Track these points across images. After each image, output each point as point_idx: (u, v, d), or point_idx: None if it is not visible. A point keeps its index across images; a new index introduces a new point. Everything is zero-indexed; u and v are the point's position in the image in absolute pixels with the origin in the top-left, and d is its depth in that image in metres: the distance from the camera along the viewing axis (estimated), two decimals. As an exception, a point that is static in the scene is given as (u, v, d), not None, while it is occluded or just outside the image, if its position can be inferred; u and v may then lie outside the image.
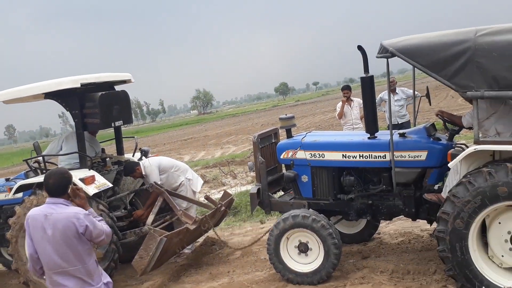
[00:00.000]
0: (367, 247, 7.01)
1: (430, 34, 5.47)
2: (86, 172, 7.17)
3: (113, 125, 7.67)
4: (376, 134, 6.09)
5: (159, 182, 7.67)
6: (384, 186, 6.12)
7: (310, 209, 6.28)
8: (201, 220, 7.32)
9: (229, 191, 9.98)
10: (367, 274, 6.06)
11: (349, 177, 6.32)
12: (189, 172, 8.17)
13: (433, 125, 6.23)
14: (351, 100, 11.14)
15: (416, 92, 7.00)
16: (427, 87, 6.56)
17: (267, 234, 6.31)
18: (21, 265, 7.19)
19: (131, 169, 7.79)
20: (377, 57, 5.49)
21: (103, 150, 8.39)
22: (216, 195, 11.52)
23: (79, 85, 7.06)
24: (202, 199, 8.76)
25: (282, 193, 7.30)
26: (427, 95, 6.49)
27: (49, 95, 7.46)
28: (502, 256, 5.10)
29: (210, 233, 8.15)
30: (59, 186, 3.92)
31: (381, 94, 10.98)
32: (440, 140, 5.94)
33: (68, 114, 7.71)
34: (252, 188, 6.96)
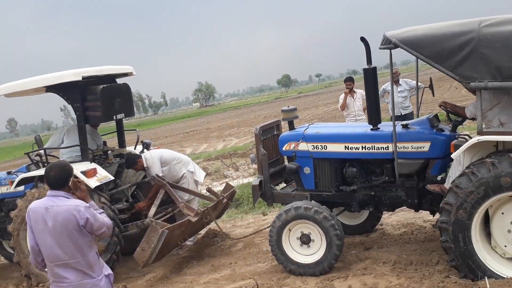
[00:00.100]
0: (370, 238, 7.00)
1: (433, 25, 5.43)
2: (87, 165, 7.17)
3: (114, 118, 7.67)
4: (379, 126, 6.07)
5: (160, 175, 7.66)
6: (386, 178, 6.10)
7: (312, 201, 6.26)
8: (203, 212, 7.32)
9: (231, 183, 9.99)
10: (369, 265, 6.05)
11: (352, 169, 6.30)
12: (191, 164, 8.16)
13: (436, 116, 6.20)
14: (354, 91, 11.10)
15: (419, 83, 6.97)
16: (430, 78, 6.53)
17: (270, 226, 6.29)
18: (23, 258, 7.20)
19: (133, 161, 7.78)
20: (380, 48, 5.46)
21: (104, 143, 8.38)
22: (218, 187, 11.51)
23: (80, 78, 7.05)
24: (204, 192, 8.77)
25: (284, 185, 7.28)
26: (430, 86, 6.46)
27: (50, 89, 7.45)
28: (505, 246, 5.09)
29: (212, 225, 8.16)
30: (59, 179, 3.91)
31: (384, 85, 10.94)
32: (443, 131, 5.91)
33: (69, 107, 7.71)
34: (254, 180, 6.95)
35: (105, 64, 7.80)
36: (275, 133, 7.10)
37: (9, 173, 8.43)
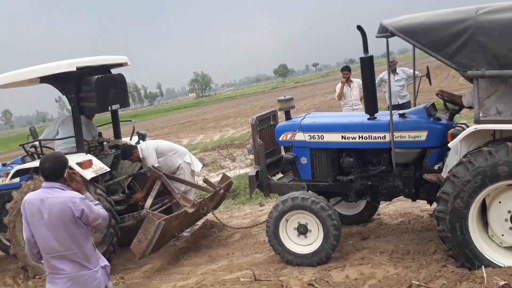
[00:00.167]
0: (367, 228, 7.00)
1: (430, 13, 5.39)
2: (83, 156, 7.14)
3: (109, 108, 7.64)
4: (375, 115, 6.04)
5: (157, 166, 7.63)
6: (383, 167, 6.09)
7: (309, 191, 6.25)
8: (200, 203, 7.30)
9: (228, 174, 9.96)
10: (366, 254, 6.05)
11: (349, 159, 6.28)
12: (187, 155, 8.14)
13: (433, 105, 6.17)
14: (351, 81, 11.05)
15: (416, 72, 6.93)
16: (427, 66, 6.49)
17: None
18: (19, 250, 7.19)
19: (129, 152, 7.75)
20: (376, 36, 5.42)
21: (100, 134, 8.34)
22: (215, 178, 11.49)
23: (75, 69, 7.01)
24: (200, 183, 8.75)
25: (281, 175, 7.26)
26: (428, 75, 6.43)
27: (45, 79, 7.40)
28: (502, 235, 5.09)
29: (209, 216, 8.15)
30: (54, 170, 3.89)
31: (381, 74, 10.90)
32: (440, 120, 5.89)
33: (65, 98, 7.67)
34: (251, 170, 6.93)
35: (100, 55, 7.73)
36: (272, 123, 7.06)
37: (4, 165, 8.39)
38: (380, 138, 5.99)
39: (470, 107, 5.68)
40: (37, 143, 7.58)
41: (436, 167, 5.92)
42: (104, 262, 4.11)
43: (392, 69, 10.61)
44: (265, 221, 6.40)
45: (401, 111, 6.11)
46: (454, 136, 5.26)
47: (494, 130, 5.19)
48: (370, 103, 5.87)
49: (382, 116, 6.09)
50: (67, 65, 7.01)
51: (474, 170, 4.95)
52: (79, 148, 7.41)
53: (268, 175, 6.75)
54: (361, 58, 5.76)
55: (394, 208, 7.71)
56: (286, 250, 6.12)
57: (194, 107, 62.81)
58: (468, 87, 5.23)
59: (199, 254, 7.24)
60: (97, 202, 4.06)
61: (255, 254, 6.80)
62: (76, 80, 7.28)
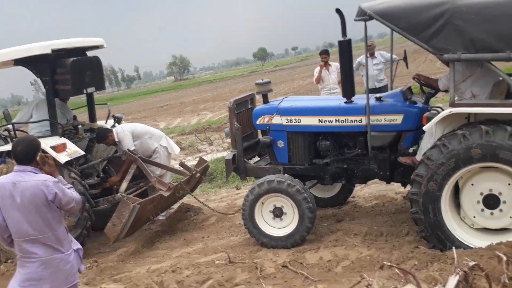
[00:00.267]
0: (342, 210, 7.06)
1: (409, -4, 5.38)
2: (57, 140, 7.05)
3: (85, 91, 7.58)
4: (352, 99, 6.05)
5: (132, 149, 7.56)
6: (359, 150, 6.12)
7: (286, 174, 6.26)
8: (176, 187, 7.26)
9: (205, 157, 9.93)
10: (340, 236, 6.10)
11: (325, 142, 6.30)
12: (164, 138, 8.07)
13: (409, 88, 6.21)
14: (329, 64, 11.05)
15: (394, 56, 6.95)
16: (405, 50, 6.52)
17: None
18: (-9, 234, 7.06)
19: (104, 135, 7.66)
20: (355, 20, 5.41)
21: (74, 117, 8.26)
22: (192, 162, 11.45)
23: (50, 51, 6.92)
24: (177, 166, 8.70)
25: (258, 158, 7.25)
26: (405, 59, 6.46)
27: (19, 62, 7.27)
28: (474, 217, 5.18)
29: (185, 199, 8.12)
30: (27, 154, 3.82)
31: (359, 58, 10.91)
32: (416, 103, 5.93)
33: (40, 81, 7.56)
34: (227, 154, 6.91)
35: (75, 37, 7.62)
36: (249, 106, 7.03)
37: (-24, 148, 8.20)
38: (357, 122, 6.01)
39: (446, 91, 5.72)
40: (10, 126, 7.43)
41: (411, 150, 5.97)
42: (76, 245, 4.07)
43: (370, 52, 10.64)
44: (239, 210, 6.41)
45: (377, 95, 6.13)
46: (429, 119, 5.31)
47: (469, 114, 5.25)
48: (347, 86, 5.87)
49: (359, 99, 6.10)
50: (42, 47, 6.92)
51: (448, 153, 5.00)
52: (53, 132, 7.31)
53: (245, 159, 6.73)
54: (340, 42, 5.75)
55: (369, 191, 7.78)
56: (261, 233, 6.14)
57: (172, 91, 62.28)
58: (444, 71, 5.28)
59: (174, 238, 7.22)
60: (70, 185, 4.01)
61: (230, 237, 6.81)
62: (51, 62, 7.18)
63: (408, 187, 5.61)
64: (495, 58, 5.01)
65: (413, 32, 5.15)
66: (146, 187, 7.76)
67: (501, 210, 5.05)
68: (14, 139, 7.22)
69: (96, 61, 7.71)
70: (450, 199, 5.20)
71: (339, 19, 5.68)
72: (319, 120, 6.23)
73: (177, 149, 8.32)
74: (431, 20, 5.01)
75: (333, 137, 6.30)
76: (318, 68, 11.17)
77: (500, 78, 5.33)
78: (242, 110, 6.86)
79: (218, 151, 12.94)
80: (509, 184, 4.99)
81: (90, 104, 8.29)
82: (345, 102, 6.10)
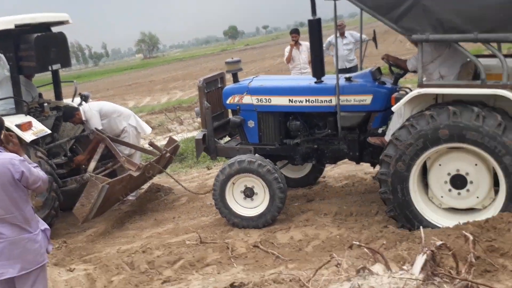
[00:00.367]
0: (312, 190, 7.11)
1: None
2: (22, 118, 6.89)
3: (50, 68, 7.43)
4: (322, 79, 6.05)
5: (100, 128, 7.43)
6: (329, 131, 6.15)
7: (256, 154, 6.25)
8: (145, 167, 7.18)
9: (175, 137, 9.83)
10: (311, 216, 6.16)
11: (295, 122, 6.30)
12: (132, 117, 7.95)
13: (379, 69, 6.24)
14: (300, 44, 10.99)
15: (363, 36, 6.96)
16: (374, 30, 6.52)
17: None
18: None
19: (70, 114, 7.51)
20: (324, -1, 5.37)
21: (40, 95, 8.07)
22: (162, 141, 11.33)
23: (13, 27, 6.76)
24: (146, 146, 8.60)
25: (228, 138, 7.22)
26: (374, 39, 6.47)
27: (-19, 37, 7.01)
28: (442, 197, 5.27)
29: (155, 179, 8.05)
30: (-10, 132, 3.70)
31: (330, 38, 10.88)
32: (385, 84, 5.96)
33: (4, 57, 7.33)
34: (197, 134, 6.85)
35: (40, 12, 7.42)
36: (219, 85, 6.96)
37: None
38: (326, 102, 6.02)
39: (415, 71, 5.76)
40: (-28, 104, 7.21)
41: (380, 130, 6.02)
42: (43, 225, 4.00)
43: (340, 32, 10.62)
44: (209, 191, 6.38)
45: (347, 75, 6.15)
46: (397, 100, 5.35)
47: (437, 94, 5.31)
48: (317, 66, 5.86)
49: (329, 80, 6.10)
50: (5, 22, 6.74)
51: (416, 134, 5.06)
52: (18, 110, 7.13)
53: (215, 139, 6.69)
54: (309, 21, 5.71)
55: (339, 171, 7.84)
56: (232, 213, 6.14)
57: (141, 69, 61.33)
58: (414, 52, 5.31)
59: (144, 218, 7.17)
60: (36, 164, 3.91)
61: (201, 217, 6.80)
62: (14, 38, 7.01)
63: (377, 167, 5.68)
64: (462, 39, 5.06)
65: (382, 12, 5.15)
66: (115, 167, 7.65)
67: (468, 190, 5.16)
68: (-23, 117, 7.02)
69: (61, 37, 7.56)
70: (418, 179, 5.28)
71: None
72: (289, 100, 6.22)
73: (148, 129, 8.23)
74: (400, 0, 5.02)
75: (304, 117, 6.30)
76: (288, 48, 11.11)
77: (468, 59, 5.40)
78: (212, 89, 6.79)
79: (189, 131, 12.83)
80: (476, 165, 5.09)
81: (56, 82, 8.12)
82: (315, 82, 6.10)
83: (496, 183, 5.09)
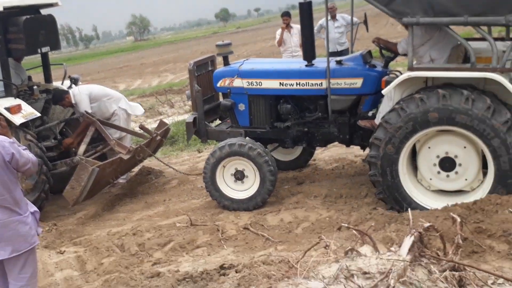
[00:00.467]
0: (302, 173, 7.13)
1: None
2: (11, 101, 6.84)
3: (39, 51, 7.40)
4: (313, 62, 6.04)
5: (90, 111, 7.39)
6: (320, 114, 6.15)
7: (247, 138, 6.25)
8: (136, 150, 7.16)
9: (166, 120, 9.81)
10: (301, 199, 6.19)
11: (286, 105, 6.30)
12: (123, 100, 7.91)
13: (369, 52, 6.23)
14: (291, 27, 10.93)
15: (354, 19, 6.93)
16: (365, 13, 6.50)
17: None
18: None
19: (60, 97, 7.47)
20: (315, -19, 5.33)
21: (29, 78, 8.02)
22: (153, 124, 11.28)
23: (1, 9, 6.69)
24: (136, 129, 8.58)
25: (219, 122, 7.21)
26: (365, 22, 6.45)
27: (-31, 19, 6.94)
28: (430, 179, 5.32)
29: (146, 162, 8.04)
30: (-22, 115, 3.69)
31: (321, 21, 10.82)
32: (376, 67, 5.96)
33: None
34: (188, 117, 6.84)
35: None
36: (210, 69, 6.94)
37: None
38: (317, 85, 6.02)
39: (405, 55, 5.77)
40: (-39, 87, 7.15)
41: (370, 113, 6.04)
42: (33, 208, 4.00)
43: (331, 15, 10.57)
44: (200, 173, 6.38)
45: (338, 58, 6.14)
46: (388, 83, 5.36)
47: (427, 77, 5.32)
48: (308, 49, 5.85)
49: (320, 63, 6.10)
50: None
51: (405, 117, 5.08)
52: (8, 93, 7.07)
53: (206, 122, 6.68)
54: (300, 4, 5.69)
55: (329, 154, 7.87)
56: (223, 196, 6.16)
57: (132, 51, 60.75)
58: (405, 35, 5.30)
59: (135, 201, 7.18)
60: (25, 147, 3.90)
61: (192, 200, 6.81)
62: (3, 20, 6.93)
63: (367, 150, 5.70)
64: (453, 22, 5.06)
65: None
66: (105, 150, 7.63)
67: (456, 173, 5.20)
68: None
69: (51, 19, 7.49)
70: (407, 161, 5.32)
71: None
72: (280, 83, 6.21)
73: (140, 110, 8.19)
74: None
75: (294, 101, 6.30)
76: (279, 31, 11.06)
77: (458, 43, 5.40)
78: (203, 72, 6.76)
79: (180, 114, 12.79)
80: (464, 147, 5.13)
81: (45, 64, 8.06)
82: (306, 65, 6.09)
83: (484, 166, 5.14)
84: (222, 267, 4.51)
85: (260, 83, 6.33)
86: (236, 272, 4.32)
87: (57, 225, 6.48)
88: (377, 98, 5.92)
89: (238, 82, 6.43)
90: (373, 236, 3.84)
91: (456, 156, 5.17)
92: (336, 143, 6.58)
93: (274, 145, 6.87)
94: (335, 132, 6.12)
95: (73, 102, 7.45)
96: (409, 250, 3.34)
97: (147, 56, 43.44)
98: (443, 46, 5.51)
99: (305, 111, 6.32)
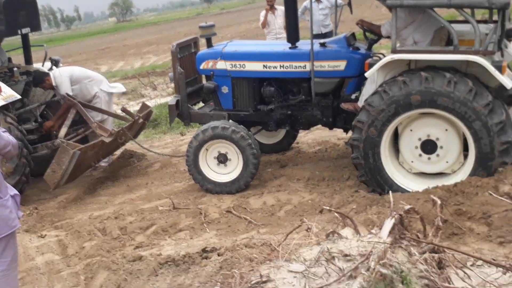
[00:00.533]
0: (286, 156, 7.13)
1: None
2: (-9, 83, 6.69)
3: (19, 32, 7.33)
4: (297, 44, 6.00)
5: (71, 93, 7.29)
6: (303, 97, 6.14)
7: (230, 120, 6.22)
8: (118, 133, 7.09)
9: (148, 103, 9.72)
10: (284, 182, 6.20)
11: (269, 88, 6.27)
12: (104, 83, 7.81)
13: (353, 34, 6.21)
14: (275, 8, 10.84)
15: (339, 1, 6.89)
16: (349, -5, 6.46)
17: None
18: None
19: (40, 79, 7.35)
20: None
21: (9, 60, 7.90)
22: (135, 107, 11.14)
23: None
24: (118, 112, 8.49)
25: (202, 104, 7.15)
26: (349, 4, 6.42)
27: None
28: (412, 162, 5.35)
29: (128, 145, 7.97)
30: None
31: (305, 2, 10.76)
32: (359, 49, 5.94)
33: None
34: (171, 99, 6.77)
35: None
36: (193, 50, 6.86)
37: None
38: (301, 68, 5.99)
39: (389, 37, 5.76)
40: None
41: (353, 96, 6.03)
42: (13, 191, 3.94)
43: (316, -3, 10.50)
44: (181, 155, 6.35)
45: (321, 40, 6.11)
46: (371, 66, 5.35)
47: (410, 60, 5.32)
48: (292, 31, 5.83)
49: (303, 45, 6.06)
50: None
51: (388, 100, 5.09)
52: (-14, 74, 6.95)
53: (189, 104, 6.62)
54: (284, -16, 5.62)
55: (312, 137, 7.87)
56: (205, 179, 6.14)
57: (114, 33, 59.90)
58: (389, 17, 5.29)
59: (117, 184, 7.12)
60: (4, 129, 3.83)
61: (174, 183, 6.78)
62: None
63: (350, 133, 5.71)
64: (436, 4, 5.06)
65: None
66: (87, 133, 7.55)
67: (438, 155, 5.24)
68: None
69: (31, 0, 7.40)
70: (389, 144, 5.34)
71: None
72: (263, 65, 6.17)
73: (121, 88, 8.10)
74: None
75: (278, 83, 6.27)
76: (263, 12, 10.97)
77: (441, 25, 5.40)
78: (185, 54, 6.68)
79: (162, 96, 12.67)
80: (446, 130, 5.16)
81: (26, 46, 7.97)
82: (290, 48, 6.05)
83: (465, 148, 5.18)
84: (204, 250, 4.51)
85: (243, 65, 6.28)
86: (218, 255, 4.33)
87: (38, 209, 6.42)
88: (361, 80, 5.91)
89: (221, 64, 6.37)
90: (354, 218, 3.85)
91: (437, 139, 5.20)
92: (319, 126, 6.58)
93: (257, 128, 6.85)
94: (318, 115, 6.11)
95: (53, 84, 7.34)
96: (390, 232, 3.35)
97: (130, 38, 42.88)
98: (426, 28, 5.51)
99: (289, 94, 6.29)
